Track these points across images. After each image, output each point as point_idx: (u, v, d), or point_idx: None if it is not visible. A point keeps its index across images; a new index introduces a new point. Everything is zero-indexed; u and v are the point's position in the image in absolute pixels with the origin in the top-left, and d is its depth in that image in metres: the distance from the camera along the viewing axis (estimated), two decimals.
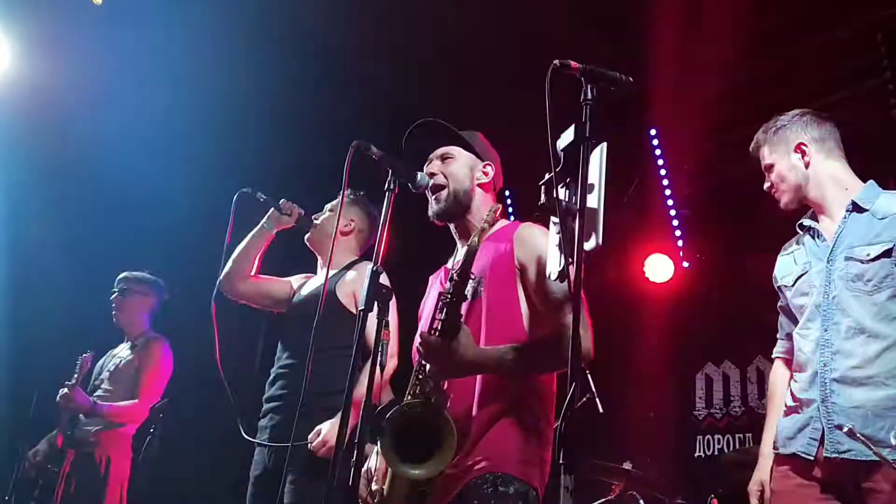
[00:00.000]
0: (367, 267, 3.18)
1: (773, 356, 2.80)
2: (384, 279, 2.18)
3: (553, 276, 1.79)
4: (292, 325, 3.33)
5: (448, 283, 2.09)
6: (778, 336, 2.79)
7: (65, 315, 5.30)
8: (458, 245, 2.57)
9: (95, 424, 4.14)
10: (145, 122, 5.23)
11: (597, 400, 4.17)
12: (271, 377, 3.29)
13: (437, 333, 2.07)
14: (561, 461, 1.53)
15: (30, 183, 5.21)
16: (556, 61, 1.74)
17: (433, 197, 2.49)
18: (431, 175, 2.46)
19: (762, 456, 2.64)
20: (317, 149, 5.84)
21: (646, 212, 6.74)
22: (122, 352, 4.40)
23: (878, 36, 4.95)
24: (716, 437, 5.94)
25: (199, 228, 5.06)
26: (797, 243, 2.66)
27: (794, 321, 2.62)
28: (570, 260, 1.70)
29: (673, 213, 6.30)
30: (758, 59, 5.56)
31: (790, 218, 2.72)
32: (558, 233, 1.78)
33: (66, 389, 4.07)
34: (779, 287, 2.69)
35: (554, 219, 1.80)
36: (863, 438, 2.14)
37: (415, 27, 5.47)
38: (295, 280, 3.59)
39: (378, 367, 2.00)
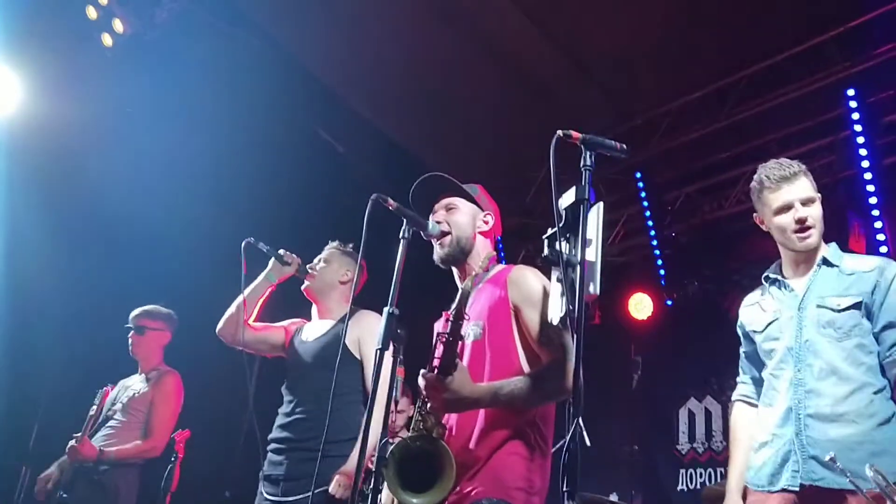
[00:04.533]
0: (366, 314, 3.41)
1: (733, 399, 2.96)
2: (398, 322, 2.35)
3: (555, 322, 1.98)
4: (301, 371, 3.43)
5: (446, 323, 2.26)
6: (739, 380, 2.96)
7: (67, 348, 5.41)
8: (460, 287, 2.76)
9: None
10: (151, 162, 5.39)
11: (584, 433, 4.33)
12: (283, 421, 3.38)
13: (435, 371, 2.25)
14: (564, 489, 1.71)
15: (36, 220, 5.32)
16: (560, 132, 1.95)
17: (438, 243, 2.68)
18: (438, 223, 2.66)
19: (729, 492, 2.78)
20: (320, 194, 6.06)
21: (630, 251, 7.00)
22: (136, 384, 4.49)
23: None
24: (698, 470, 6.11)
25: (204, 266, 5.21)
26: (761, 294, 2.85)
27: (758, 366, 2.82)
28: (571, 307, 1.89)
29: (657, 252, 6.54)
30: (737, 105, 5.88)
31: (769, 257, 2.88)
32: (560, 281, 1.98)
33: (73, 442, 4.15)
34: (745, 334, 2.87)
35: (556, 269, 1.99)
36: (841, 467, 2.30)
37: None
38: (290, 326, 3.70)
39: (393, 403, 2.17)
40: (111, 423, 4.34)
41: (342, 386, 3.01)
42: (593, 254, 1.93)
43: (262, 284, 3.55)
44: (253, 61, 5.28)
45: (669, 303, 6.57)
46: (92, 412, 4.24)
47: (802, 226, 2.61)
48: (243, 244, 3.43)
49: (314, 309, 3.63)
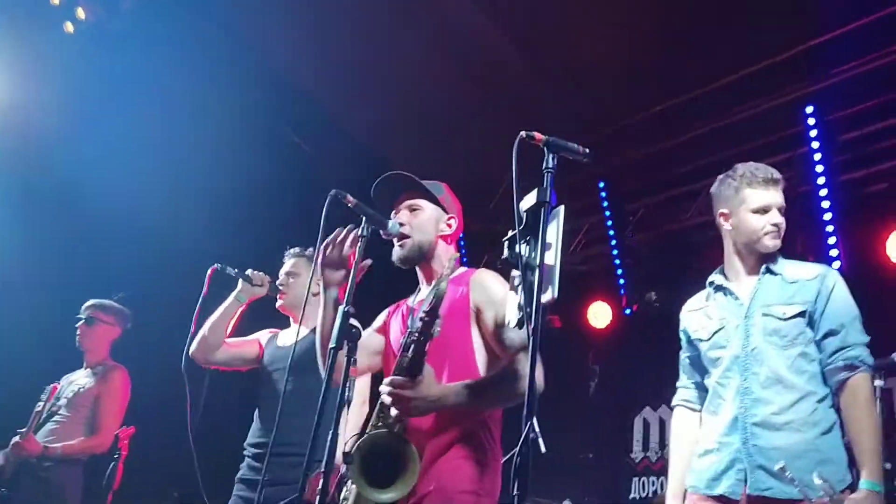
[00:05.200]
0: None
1: (674, 404, 2.97)
2: (353, 320, 2.31)
3: (512, 324, 1.97)
4: (278, 376, 3.38)
5: (417, 322, 2.22)
6: (679, 385, 2.97)
7: (29, 336, 5.26)
8: (422, 285, 2.73)
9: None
10: (115, 152, 5.27)
11: (540, 439, 4.34)
12: (260, 426, 3.35)
13: (403, 372, 2.22)
14: (514, 492, 1.70)
15: (2, 206, 5.20)
16: (523, 132, 1.94)
17: (398, 243, 2.65)
18: (400, 224, 2.62)
19: (670, 497, 2.80)
20: (285, 191, 6.00)
21: (591, 260, 7.05)
22: (81, 378, 4.38)
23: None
24: (651, 478, 6.17)
25: (166, 254, 5.11)
26: (706, 300, 2.87)
27: (701, 372, 2.84)
28: (528, 309, 1.88)
29: (617, 261, 6.59)
30: (700, 119, 5.97)
31: None
32: (518, 285, 1.97)
33: (18, 438, 4.06)
34: (689, 340, 2.88)
35: (515, 272, 1.98)
36: (791, 476, 2.34)
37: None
38: (262, 336, 3.66)
39: (346, 403, 2.13)
40: (55, 418, 4.24)
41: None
42: (552, 257, 1.92)
43: (233, 305, 3.50)
44: (220, 55, 5.21)
45: (628, 312, 6.62)
46: (38, 408, 4.13)
47: (776, 230, 2.67)
48: (210, 270, 3.41)
49: (291, 321, 3.61)
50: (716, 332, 2.74)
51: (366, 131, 6.66)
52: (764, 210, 2.68)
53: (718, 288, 2.82)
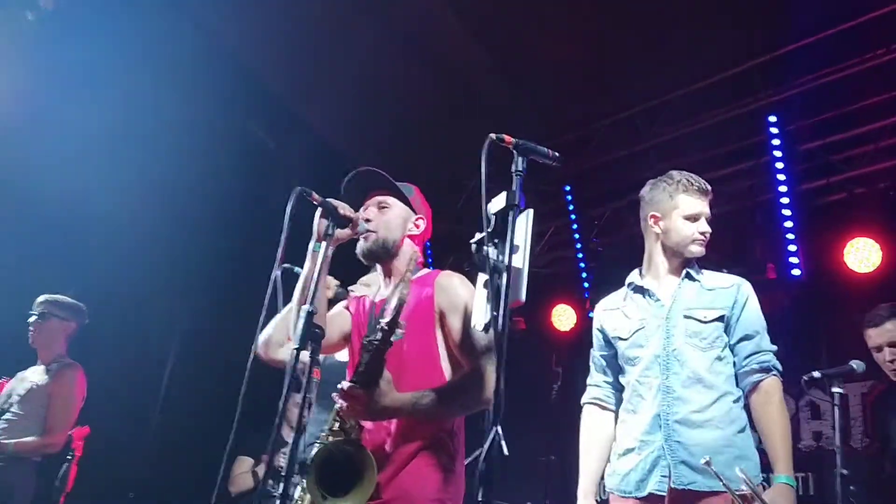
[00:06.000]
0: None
1: (584, 402, 2.99)
2: (319, 318, 2.27)
3: (479, 327, 1.94)
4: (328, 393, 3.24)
5: (377, 330, 2.17)
6: (590, 382, 2.98)
7: None
8: (382, 283, 2.69)
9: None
10: (76, 140, 5.13)
11: (503, 442, 4.34)
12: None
13: (360, 379, 2.17)
14: (480, 498, 1.68)
15: None
16: (493, 135, 1.92)
17: (363, 237, 2.60)
18: (367, 220, 2.59)
19: (582, 496, 2.82)
20: (249, 188, 5.91)
21: (556, 262, 7.08)
22: (34, 375, 4.25)
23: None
24: None
25: (123, 250, 4.99)
26: (623, 299, 2.93)
27: (615, 371, 2.90)
28: (495, 313, 1.86)
29: (582, 265, 6.62)
30: (664, 125, 6.03)
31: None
32: (485, 287, 1.95)
33: None
34: (606, 338, 2.93)
35: (482, 275, 1.96)
36: (714, 470, 2.40)
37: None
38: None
39: (306, 405, 2.09)
40: (7, 416, 4.11)
41: None
42: (520, 260, 1.90)
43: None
44: (186, 47, 5.11)
45: (592, 315, 6.64)
46: None
47: (703, 238, 2.81)
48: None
49: None
50: (635, 332, 2.82)
51: (331, 129, 6.60)
52: (695, 218, 2.82)
53: (637, 289, 2.89)
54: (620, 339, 2.86)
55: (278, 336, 3.23)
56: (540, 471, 6.57)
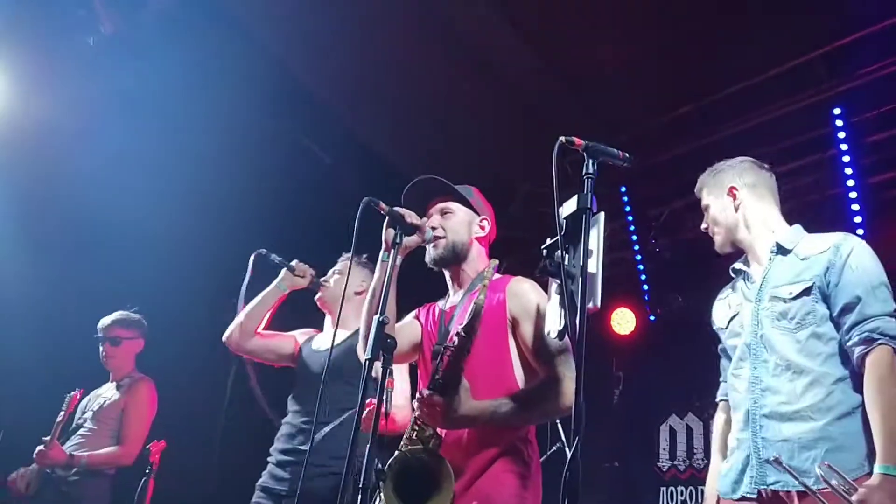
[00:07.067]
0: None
1: (717, 399, 2.84)
2: (389, 328, 2.27)
3: (553, 335, 1.91)
4: (312, 381, 3.29)
5: (454, 336, 2.17)
6: (721, 380, 2.81)
7: (35, 351, 5.26)
8: (451, 290, 2.69)
9: (73, 469, 4.08)
10: (130, 164, 5.27)
11: (567, 449, 4.28)
12: (290, 431, 3.27)
13: (437, 387, 2.17)
14: None
15: (10, 218, 5.20)
16: (563, 138, 1.90)
17: (432, 245, 2.61)
18: (433, 228, 2.59)
19: (707, 497, 2.70)
20: (303, 203, 5.98)
21: (613, 265, 6.97)
22: (107, 392, 4.35)
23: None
24: (679, 488, 6.06)
25: (179, 272, 5.09)
26: (731, 288, 2.76)
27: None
28: (571, 320, 1.82)
29: (640, 267, 6.51)
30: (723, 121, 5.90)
31: None
32: (558, 293, 1.91)
33: (42, 447, 4.02)
34: (714, 332, 2.79)
35: (555, 280, 1.92)
36: (789, 469, 2.22)
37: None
38: (299, 335, 3.62)
39: (383, 416, 2.08)
40: (81, 431, 4.22)
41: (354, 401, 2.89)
42: (594, 265, 1.86)
43: (273, 293, 3.50)
44: (240, 66, 5.19)
45: (653, 318, 6.54)
46: (59, 417, 4.10)
47: (709, 234, 2.80)
48: (253, 255, 3.42)
49: (327, 319, 3.58)
50: (731, 320, 2.65)
51: (381, 138, 6.63)
52: None
53: (739, 273, 2.74)
54: (721, 329, 2.71)
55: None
56: (603, 477, 6.49)
